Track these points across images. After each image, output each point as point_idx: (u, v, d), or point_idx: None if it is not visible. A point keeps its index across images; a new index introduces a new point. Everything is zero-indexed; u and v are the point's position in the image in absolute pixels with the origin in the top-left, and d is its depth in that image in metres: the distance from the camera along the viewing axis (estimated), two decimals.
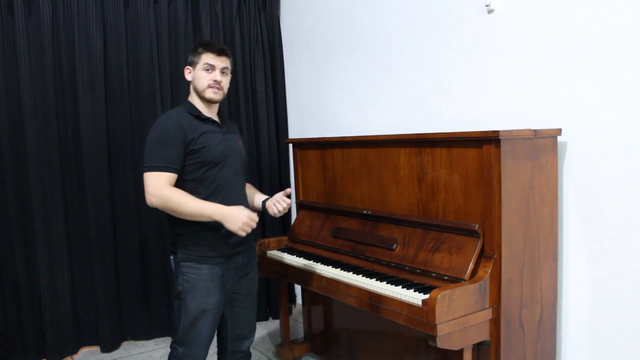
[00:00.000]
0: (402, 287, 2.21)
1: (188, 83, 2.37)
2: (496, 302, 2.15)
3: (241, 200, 2.36)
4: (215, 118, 2.37)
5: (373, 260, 2.58)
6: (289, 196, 2.39)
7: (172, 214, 2.18)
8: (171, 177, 2.16)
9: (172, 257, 2.34)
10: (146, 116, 3.64)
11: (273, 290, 4.06)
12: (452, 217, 2.32)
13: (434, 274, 2.28)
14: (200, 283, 2.24)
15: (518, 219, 2.19)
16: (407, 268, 2.40)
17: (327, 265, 2.64)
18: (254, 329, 2.58)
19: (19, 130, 3.29)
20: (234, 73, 3.92)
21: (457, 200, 2.29)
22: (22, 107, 3.27)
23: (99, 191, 3.50)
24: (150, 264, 3.72)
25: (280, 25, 4.20)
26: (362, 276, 2.42)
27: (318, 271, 2.63)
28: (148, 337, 3.77)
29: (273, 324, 4.00)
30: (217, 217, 2.15)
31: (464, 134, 2.22)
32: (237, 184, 2.37)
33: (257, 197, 2.56)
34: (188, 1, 3.75)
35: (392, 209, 2.62)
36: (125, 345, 3.71)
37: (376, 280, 2.35)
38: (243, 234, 2.15)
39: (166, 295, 3.75)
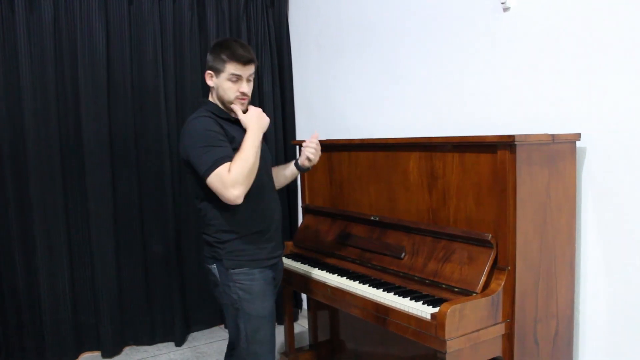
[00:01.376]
0: (410, 299, 2.10)
1: (205, 85, 2.24)
2: (509, 317, 2.03)
3: (276, 203, 2.29)
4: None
5: (380, 269, 2.47)
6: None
7: (252, 177, 2.02)
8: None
9: (214, 266, 2.20)
10: (150, 116, 3.56)
11: (278, 295, 3.96)
12: (463, 225, 2.21)
13: (443, 285, 2.16)
14: (256, 288, 2.15)
15: (534, 228, 2.07)
16: (416, 278, 2.28)
17: (333, 274, 2.53)
18: None
19: (19, 130, 3.22)
20: None
21: (469, 208, 2.18)
22: (22, 106, 3.20)
23: (101, 192, 3.42)
24: (153, 266, 3.65)
25: (288, 24, 4.09)
26: (369, 286, 2.32)
27: (322, 279, 2.53)
28: (151, 342, 3.70)
29: (278, 330, 3.90)
30: (255, 131, 2.08)
31: (477, 139, 2.11)
32: (272, 186, 2.31)
33: (286, 167, 2.50)
34: None
35: (400, 216, 2.51)
36: (127, 350, 3.63)
37: (383, 290, 2.24)
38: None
39: (170, 298, 3.67)
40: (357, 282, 2.38)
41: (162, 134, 3.56)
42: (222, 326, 3.96)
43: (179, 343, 3.67)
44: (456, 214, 2.24)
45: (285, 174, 2.50)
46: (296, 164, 2.47)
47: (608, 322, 2.21)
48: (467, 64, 2.69)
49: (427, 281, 2.24)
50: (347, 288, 2.37)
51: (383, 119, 3.25)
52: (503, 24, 2.49)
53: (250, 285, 2.13)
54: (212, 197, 2.06)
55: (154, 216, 3.61)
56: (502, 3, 2.46)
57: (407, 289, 2.23)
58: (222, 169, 1.96)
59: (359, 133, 3.41)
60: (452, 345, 1.87)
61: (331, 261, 2.73)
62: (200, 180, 2.05)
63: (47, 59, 3.25)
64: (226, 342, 3.67)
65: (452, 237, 2.22)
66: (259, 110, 2.17)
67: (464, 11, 2.68)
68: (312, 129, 3.95)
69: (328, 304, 2.69)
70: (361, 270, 2.55)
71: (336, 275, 2.51)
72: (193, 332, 3.86)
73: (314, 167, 3.07)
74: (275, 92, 3.99)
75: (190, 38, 3.67)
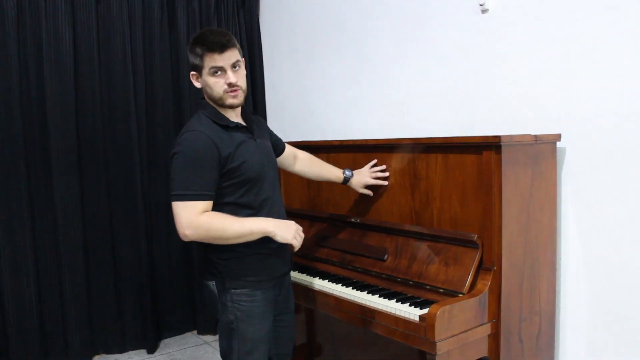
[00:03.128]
0: (397, 301, 2.08)
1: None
2: (495, 317, 2.04)
3: (283, 215, 2.13)
4: (242, 121, 2.05)
5: (362, 271, 2.45)
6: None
7: (215, 242, 1.91)
8: (207, 205, 1.87)
9: (212, 283, 2.03)
10: (119, 118, 3.47)
11: None
12: (448, 226, 2.21)
13: (428, 287, 2.15)
14: (256, 310, 2.01)
15: (518, 228, 2.08)
16: (399, 280, 2.27)
17: (314, 277, 2.50)
18: (293, 345, 2.41)
19: None
20: None
21: (454, 209, 2.18)
22: None
23: (68, 197, 3.31)
24: (123, 272, 3.55)
25: (259, 25, 4.05)
26: (352, 288, 2.29)
27: (303, 283, 2.49)
28: (121, 350, 3.59)
29: None
30: (269, 229, 1.91)
31: (462, 139, 2.11)
32: (277, 197, 2.12)
33: (332, 170, 2.50)
34: None
35: (382, 218, 2.49)
36: (97, 359, 3.52)
37: (367, 293, 2.22)
38: (297, 244, 1.96)
39: (140, 304, 3.57)
40: (340, 284, 2.36)
41: (132, 136, 3.46)
42: (195, 332, 3.88)
43: (151, 350, 3.58)
44: (440, 214, 2.24)
45: (328, 172, 2.50)
46: (347, 178, 2.48)
47: (588, 318, 2.25)
48: (446, 66, 2.70)
49: (410, 282, 2.23)
50: (331, 291, 2.34)
51: (360, 120, 3.24)
52: (482, 25, 2.51)
53: (250, 307, 2.00)
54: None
55: (124, 221, 3.52)
56: (481, 5, 2.48)
57: (391, 291, 2.22)
58: (196, 206, 1.84)
59: (335, 134, 3.39)
60: (441, 347, 1.86)
61: (311, 264, 2.70)
62: None
63: (10, 59, 3.12)
64: (199, 348, 3.62)
65: (437, 238, 2.22)
66: (294, 228, 1.97)
67: (442, 13, 2.69)
68: (284, 131, 3.91)
69: (307, 307, 2.66)
70: (343, 272, 2.52)
71: (317, 278, 2.48)
72: (165, 338, 3.77)
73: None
74: (247, 92, 3.92)
75: (160, 38, 3.59)
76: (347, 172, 2.49)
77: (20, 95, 3.17)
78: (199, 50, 1.91)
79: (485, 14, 2.49)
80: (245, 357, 2.03)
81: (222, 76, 1.92)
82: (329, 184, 2.79)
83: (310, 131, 3.63)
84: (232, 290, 1.99)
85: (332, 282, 2.40)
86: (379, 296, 2.16)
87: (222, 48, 1.90)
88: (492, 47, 2.48)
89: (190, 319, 3.86)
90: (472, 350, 2.00)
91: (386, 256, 2.37)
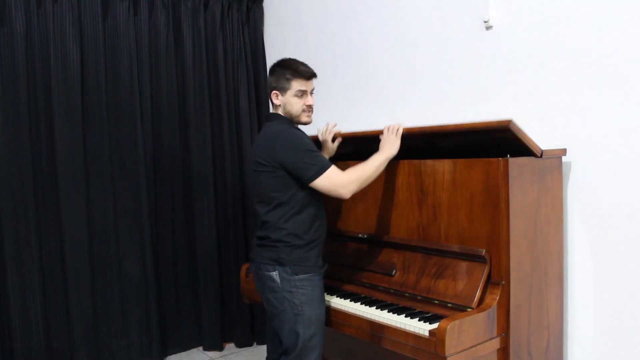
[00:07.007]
0: (406, 316, 2.09)
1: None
2: (504, 331, 2.05)
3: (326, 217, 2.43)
4: None
5: (370, 287, 2.46)
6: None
7: (365, 185, 2.24)
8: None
9: (275, 272, 2.26)
10: (125, 134, 3.48)
11: (257, 314, 3.91)
12: (455, 241, 2.22)
13: (436, 302, 2.17)
14: (317, 294, 2.27)
15: (526, 242, 2.10)
16: (407, 295, 2.28)
17: None
18: None
19: None
20: (216, 89, 3.80)
21: (461, 224, 2.19)
22: None
23: (74, 212, 3.32)
24: (129, 288, 3.54)
25: (264, 41, 4.08)
26: (361, 304, 2.30)
27: None
28: None
29: (258, 350, 3.84)
30: (387, 156, 2.30)
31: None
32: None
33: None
34: (169, 14, 3.63)
35: (389, 233, 2.50)
36: None
37: (376, 308, 2.23)
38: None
39: (146, 320, 3.57)
40: (349, 300, 2.37)
41: (138, 152, 3.48)
42: (201, 348, 3.87)
43: None
44: (447, 230, 2.25)
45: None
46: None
47: (596, 332, 2.25)
48: (450, 82, 2.72)
49: (419, 297, 2.24)
50: (339, 307, 2.35)
51: None
52: (486, 42, 2.54)
53: (312, 291, 2.24)
54: (289, 203, 2.23)
55: (129, 236, 3.52)
56: (485, 22, 2.51)
57: (400, 306, 2.23)
58: (335, 170, 2.19)
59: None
60: None
61: None
62: (279, 184, 2.22)
63: (18, 75, 3.15)
64: None
65: (445, 253, 2.23)
66: (398, 141, 2.33)
67: (446, 29, 2.72)
68: None
69: None
70: (351, 288, 2.53)
71: (325, 293, 2.48)
72: (170, 354, 3.76)
73: None
74: (252, 108, 3.96)
75: (165, 54, 3.62)
76: None
77: (28, 112, 3.20)
78: (289, 75, 2.32)
79: (489, 31, 2.52)
80: (309, 340, 2.23)
81: (302, 98, 2.33)
82: (335, 200, 2.80)
83: None
84: (296, 277, 2.23)
85: (340, 298, 2.40)
86: (388, 311, 2.17)
87: (309, 77, 2.36)
88: (497, 63, 2.51)
89: (196, 335, 3.85)
90: None
91: (394, 271, 2.38)
